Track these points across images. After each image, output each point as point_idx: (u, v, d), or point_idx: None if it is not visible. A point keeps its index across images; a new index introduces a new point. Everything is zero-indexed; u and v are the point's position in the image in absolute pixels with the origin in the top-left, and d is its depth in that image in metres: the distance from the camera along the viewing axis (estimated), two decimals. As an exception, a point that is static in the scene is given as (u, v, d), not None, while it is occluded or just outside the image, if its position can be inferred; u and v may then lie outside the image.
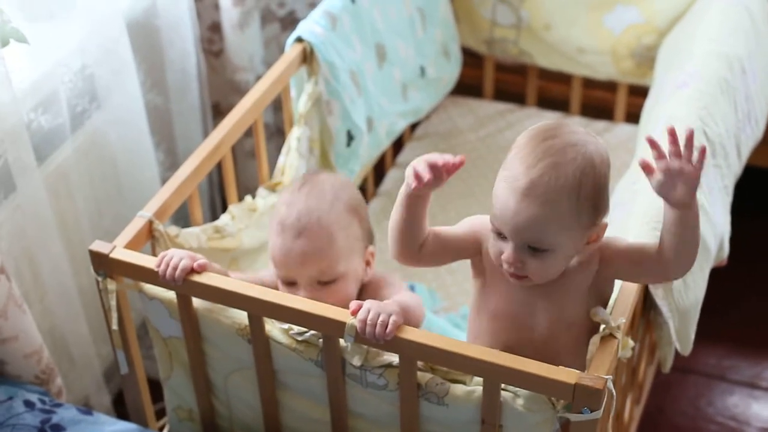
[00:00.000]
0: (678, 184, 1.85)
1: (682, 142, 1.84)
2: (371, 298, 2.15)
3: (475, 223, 2.14)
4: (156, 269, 2.13)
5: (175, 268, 2.10)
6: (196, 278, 2.10)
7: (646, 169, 1.87)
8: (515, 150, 1.98)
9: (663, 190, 1.87)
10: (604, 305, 2.08)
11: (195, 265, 2.12)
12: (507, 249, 1.97)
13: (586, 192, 1.93)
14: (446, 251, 2.14)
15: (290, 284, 2.26)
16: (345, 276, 2.26)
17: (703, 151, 1.84)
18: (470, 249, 2.14)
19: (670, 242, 1.94)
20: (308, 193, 2.28)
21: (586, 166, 1.93)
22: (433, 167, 1.94)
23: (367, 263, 2.33)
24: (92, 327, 2.82)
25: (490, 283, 2.13)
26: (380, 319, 1.97)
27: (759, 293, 3.42)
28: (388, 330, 1.96)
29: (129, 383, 2.39)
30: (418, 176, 1.95)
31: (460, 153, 3.46)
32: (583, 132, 1.98)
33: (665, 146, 1.85)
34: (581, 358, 2.06)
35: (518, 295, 2.08)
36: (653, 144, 1.86)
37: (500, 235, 1.98)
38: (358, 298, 2.27)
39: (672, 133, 1.84)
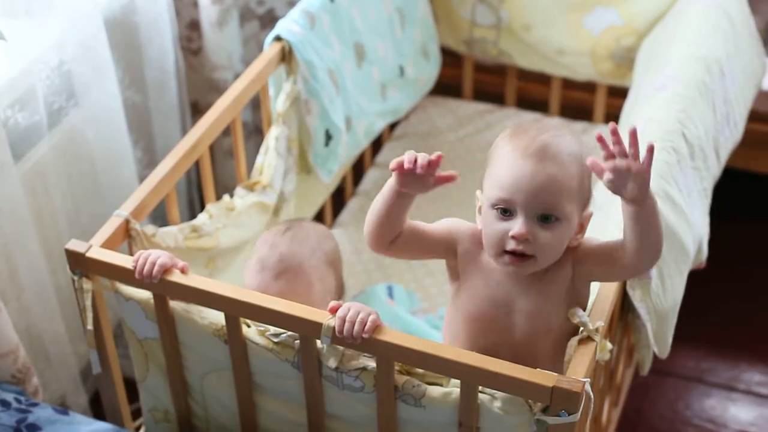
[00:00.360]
0: (628, 181, 1.87)
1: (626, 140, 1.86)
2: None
3: (452, 224, 2.14)
4: (132, 266, 2.11)
5: (153, 264, 2.09)
6: (173, 278, 2.09)
7: (595, 168, 1.88)
8: (507, 136, 2.02)
9: (614, 188, 1.89)
10: (582, 309, 2.08)
11: (180, 266, 2.11)
12: (516, 223, 1.97)
13: (586, 167, 1.98)
14: (420, 247, 2.14)
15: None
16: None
17: (650, 150, 1.86)
18: (444, 249, 2.14)
19: (632, 237, 1.96)
20: (292, 238, 2.34)
21: (578, 143, 2.01)
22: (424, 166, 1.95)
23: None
24: (69, 326, 2.81)
25: (465, 286, 2.13)
26: (359, 317, 1.96)
27: (737, 295, 3.43)
28: (366, 328, 1.95)
29: (104, 383, 2.38)
30: (412, 161, 1.94)
31: (438, 152, 3.47)
32: None
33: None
34: (560, 363, 2.06)
35: (495, 297, 2.09)
36: (602, 142, 1.88)
37: (505, 213, 1.98)
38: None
39: (614, 132, 1.86)
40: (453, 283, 2.17)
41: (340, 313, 1.98)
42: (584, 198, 2.03)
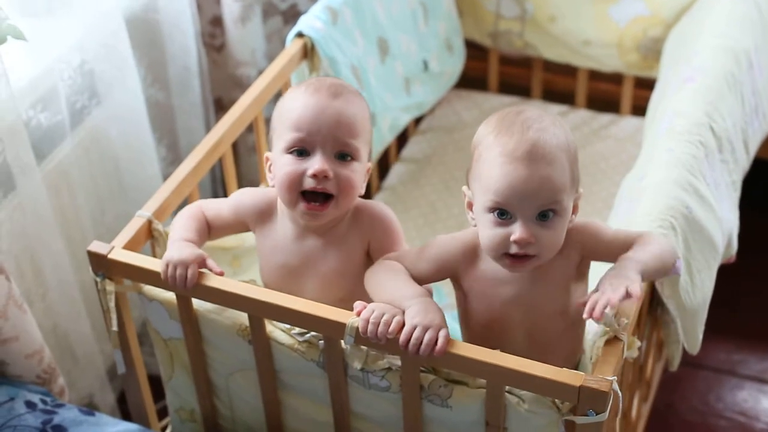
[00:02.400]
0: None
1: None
2: (356, 234, 2.16)
3: (442, 252, 2.11)
4: (163, 276, 2.09)
5: (183, 280, 2.07)
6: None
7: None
8: (491, 134, 1.99)
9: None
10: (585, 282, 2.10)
11: (216, 270, 2.10)
12: (516, 228, 1.94)
13: (572, 150, 1.98)
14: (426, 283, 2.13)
15: (300, 156, 2.08)
16: (360, 159, 2.10)
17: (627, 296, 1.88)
18: (446, 275, 2.13)
19: None
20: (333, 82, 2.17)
21: (561, 128, 1.99)
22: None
23: (367, 171, 2.20)
24: (95, 325, 2.81)
25: (471, 296, 2.12)
26: (384, 318, 1.94)
27: (768, 286, 3.40)
28: (390, 329, 1.93)
29: (129, 383, 2.38)
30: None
31: (464, 146, 3.46)
32: None
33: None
34: (575, 342, 2.10)
35: (502, 299, 2.07)
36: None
37: (503, 217, 1.96)
38: (342, 227, 2.17)
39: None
40: (457, 292, 2.16)
41: (364, 314, 1.96)
42: (576, 183, 2.02)
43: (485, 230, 1.98)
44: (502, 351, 1.93)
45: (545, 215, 1.94)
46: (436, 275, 2.12)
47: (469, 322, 2.14)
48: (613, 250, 2.03)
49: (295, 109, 2.07)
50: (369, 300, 2.03)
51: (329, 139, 2.04)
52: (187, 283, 2.06)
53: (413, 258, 2.11)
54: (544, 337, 2.07)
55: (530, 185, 1.92)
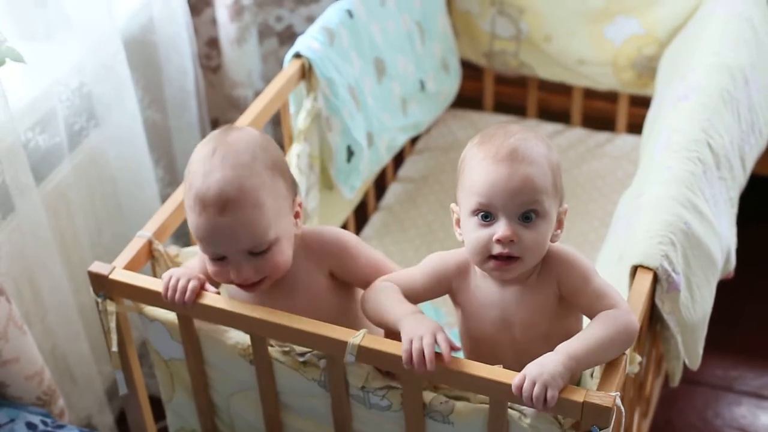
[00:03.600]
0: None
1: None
2: (311, 265, 2.15)
3: (437, 267, 2.13)
4: (163, 293, 2.09)
5: (183, 292, 2.08)
6: (198, 300, 2.08)
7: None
8: (475, 146, 2.02)
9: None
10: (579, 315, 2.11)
11: (212, 290, 2.11)
12: (499, 227, 1.96)
13: (553, 160, 2.01)
14: (419, 302, 2.14)
15: (219, 260, 2.06)
16: (278, 241, 2.05)
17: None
18: (441, 292, 2.14)
19: None
20: (223, 159, 2.02)
21: (544, 142, 2.02)
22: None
23: (296, 215, 2.13)
24: (93, 346, 2.81)
25: (465, 313, 2.13)
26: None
27: (765, 302, 3.40)
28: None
29: (130, 404, 2.37)
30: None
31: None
32: None
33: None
34: None
35: (491, 317, 2.08)
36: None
37: (486, 219, 1.97)
38: (297, 259, 2.14)
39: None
40: (456, 308, 2.17)
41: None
42: (559, 194, 2.03)
43: (470, 235, 2.00)
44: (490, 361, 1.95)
45: (528, 216, 1.96)
46: (433, 291, 2.13)
47: (465, 340, 2.15)
48: (584, 305, 2.04)
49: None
50: None
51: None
52: (186, 299, 2.07)
53: (409, 275, 2.13)
54: (530, 359, 2.07)
55: (511, 183, 1.94)
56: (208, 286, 2.11)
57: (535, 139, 2.00)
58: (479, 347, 2.12)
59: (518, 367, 1.97)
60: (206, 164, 2.02)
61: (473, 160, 2.00)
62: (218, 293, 2.11)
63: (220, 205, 1.99)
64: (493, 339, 2.09)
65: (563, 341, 1.97)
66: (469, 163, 2.01)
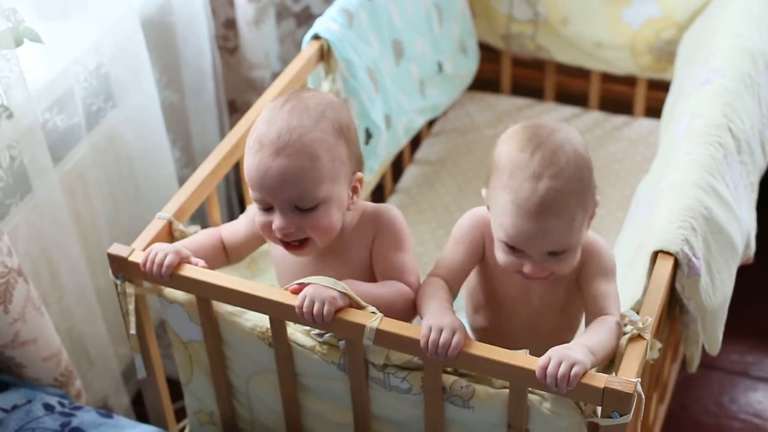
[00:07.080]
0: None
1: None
2: (361, 239, 2.16)
3: (464, 228, 2.18)
4: (142, 265, 2.12)
5: (160, 265, 2.09)
6: (217, 281, 2.08)
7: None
8: (507, 169, 2.00)
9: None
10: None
11: (193, 262, 2.12)
12: (528, 263, 2.01)
13: (586, 183, 2.00)
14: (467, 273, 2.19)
15: (266, 210, 2.07)
16: (327, 202, 2.04)
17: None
18: (477, 252, 2.18)
19: None
20: (291, 111, 2.06)
21: (579, 159, 1.99)
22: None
23: (354, 190, 2.12)
24: (110, 327, 2.81)
25: (492, 273, 2.18)
26: (315, 307, 1.98)
27: (781, 288, 3.40)
28: (325, 313, 1.97)
29: (148, 386, 2.38)
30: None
31: (477, 149, 3.46)
32: (558, 124, 2.06)
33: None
34: (569, 337, 2.20)
35: (512, 282, 2.14)
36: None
37: (514, 250, 2.02)
38: (347, 236, 2.16)
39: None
40: (479, 267, 2.21)
41: (297, 302, 1.99)
42: (590, 209, 2.05)
43: (500, 252, 2.06)
44: (506, 333, 2.02)
45: (555, 253, 2.00)
46: (472, 256, 2.16)
47: (482, 300, 2.22)
48: (590, 299, 2.08)
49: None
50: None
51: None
52: (163, 272, 2.09)
53: (449, 253, 2.16)
54: (541, 331, 2.14)
55: (538, 237, 1.97)
56: (194, 260, 2.13)
57: (569, 163, 1.97)
58: (495, 309, 2.18)
59: (528, 335, 1.99)
60: (274, 112, 2.07)
61: (503, 193, 1.99)
62: (206, 267, 2.12)
63: (276, 147, 2.01)
64: (512, 302, 2.15)
65: (575, 317, 2.09)
66: (499, 188, 2.01)
